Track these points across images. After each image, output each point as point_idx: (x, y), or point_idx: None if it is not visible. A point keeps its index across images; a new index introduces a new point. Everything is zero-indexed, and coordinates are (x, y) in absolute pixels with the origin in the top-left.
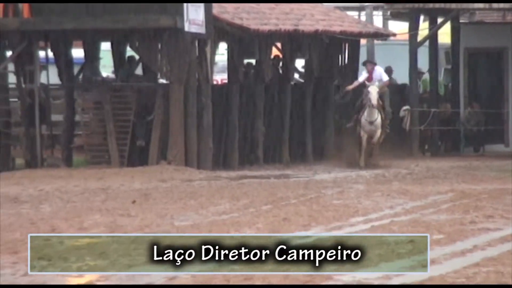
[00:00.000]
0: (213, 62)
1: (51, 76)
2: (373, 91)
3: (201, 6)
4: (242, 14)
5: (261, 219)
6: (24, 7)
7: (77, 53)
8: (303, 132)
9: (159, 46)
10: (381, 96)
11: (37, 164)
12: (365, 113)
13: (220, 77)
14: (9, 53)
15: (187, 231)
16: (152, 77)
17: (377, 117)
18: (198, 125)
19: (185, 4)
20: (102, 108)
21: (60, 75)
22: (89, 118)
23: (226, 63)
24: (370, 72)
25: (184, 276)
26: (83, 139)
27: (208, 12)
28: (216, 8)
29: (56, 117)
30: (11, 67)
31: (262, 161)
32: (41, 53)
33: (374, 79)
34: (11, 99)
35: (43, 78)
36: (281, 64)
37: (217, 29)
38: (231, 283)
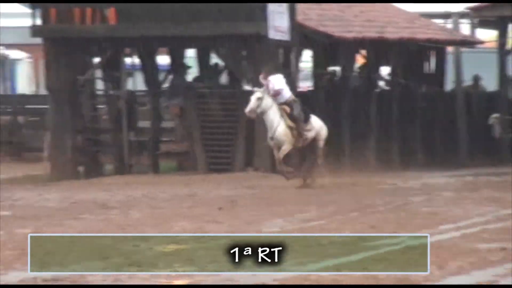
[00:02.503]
0: (297, 69)
1: (137, 83)
2: (252, 98)
3: (285, 13)
4: (326, 22)
5: (348, 226)
6: (111, 14)
7: (163, 59)
8: (389, 140)
9: (244, 53)
10: (289, 103)
11: (125, 170)
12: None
13: (304, 84)
14: (96, 60)
15: None
16: (237, 84)
17: (276, 127)
18: None
19: (269, 11)
20: (188, 115)
21: (146, 81)
22: (175, 125)
23: (310, 70)
24: (266, 85)
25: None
26: (169, 145)
27: (292, 19)
28: (300, 15)
29: (143, 124)
30: (98, 73)
31: (348, 168)
32: (128, 60)
33: (271, 91)
34: (99, 106)
35: (129, 85)
36: (367, 71)
37: (302, 36)
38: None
